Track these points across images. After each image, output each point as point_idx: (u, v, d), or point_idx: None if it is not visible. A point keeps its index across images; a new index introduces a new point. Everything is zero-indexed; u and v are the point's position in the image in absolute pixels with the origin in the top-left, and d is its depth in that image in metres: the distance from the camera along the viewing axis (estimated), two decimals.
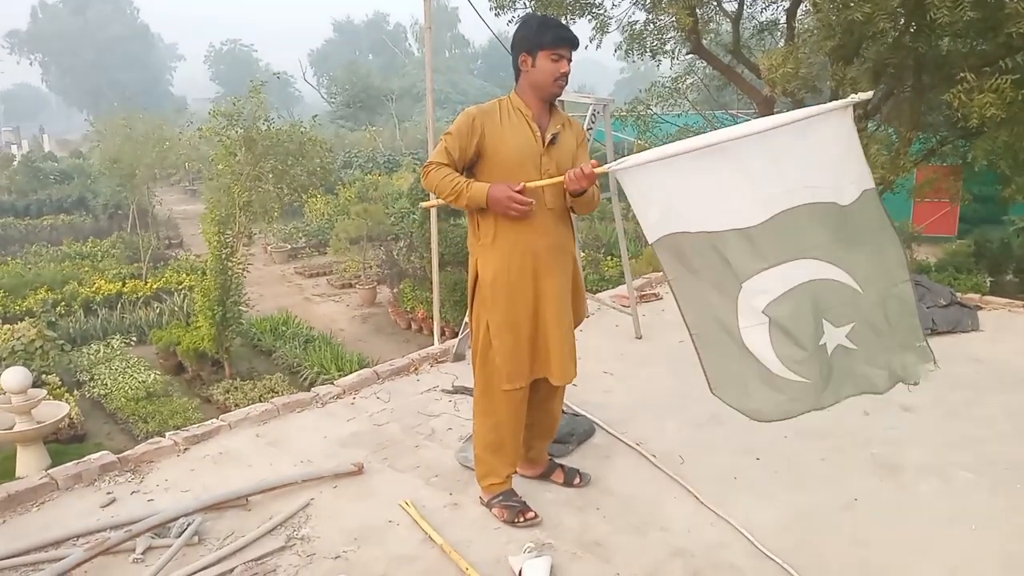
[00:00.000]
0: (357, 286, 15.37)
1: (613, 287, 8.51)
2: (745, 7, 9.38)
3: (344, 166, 25.09)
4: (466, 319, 3.88)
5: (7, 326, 11.15)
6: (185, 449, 4.04)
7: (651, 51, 9.23)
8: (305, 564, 3.05)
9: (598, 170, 2.96)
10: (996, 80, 6.09)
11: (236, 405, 8.66)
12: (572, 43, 3.08)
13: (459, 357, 5.35)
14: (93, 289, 14.23)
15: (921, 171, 11.07)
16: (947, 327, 5.87)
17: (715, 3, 9.36)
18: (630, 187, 2.91)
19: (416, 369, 5.27)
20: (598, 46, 8.93)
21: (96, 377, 10.12)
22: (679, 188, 2.87)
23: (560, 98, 3.32)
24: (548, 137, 3.11)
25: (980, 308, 6.39)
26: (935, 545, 3.16)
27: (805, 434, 4.05)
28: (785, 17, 8.84)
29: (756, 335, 2.87)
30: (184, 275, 15.41)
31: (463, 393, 4.70)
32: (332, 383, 4.99)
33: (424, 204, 3.68)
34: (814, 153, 2.85)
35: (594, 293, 6.97)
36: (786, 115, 2.93)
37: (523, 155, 3.07)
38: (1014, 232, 12.40)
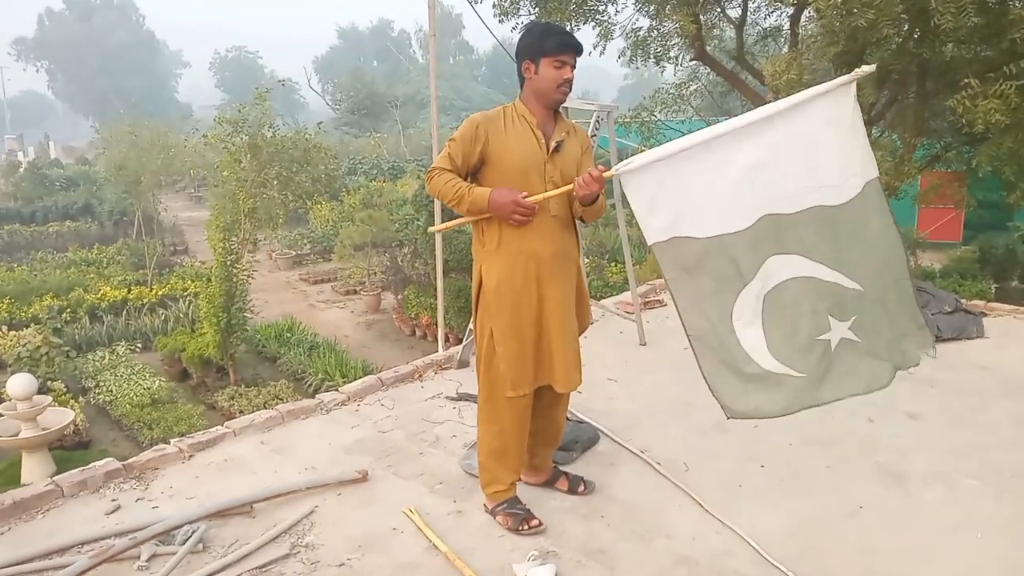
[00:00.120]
0: (361, 292, 15.37)
1: (617, 294, 8.50)
2: (749, 13, 9.38)
3: (349, 173, 25.11)
4: (470, 326, 3.89)
5: (13, 333, 11.17)
6: (190, 456, 4.05)
7: (655, 57, 9.25)
8: (309, 572, 3.05)
9: (606, 174, 2.97)
10: (1000, 86, 6.08)
11: (241, 412, 8.67)
12: (575, 49, 3.08)
13: (463, 364, 5.35)
14: (98, 296, 14.25)
15: (925, 177, 11.04)
16: (952, 334, 5.86)
17: (719, 9, 9.38)
18: (632, 191, 2.92)
19: (420, 376, 5.27)
20: (602, 53, 8.94)
21: (101, 384, 10.13)
22: (682, 191, 2.88)
23: (564, 105, 3.33)
24: (552, 144, 3.11)
25: (985, 315, 6.38)
26: (940, 553, 3.15)
27: (810, 441, 4.05)
28: (789, 23, 8.84)
29: (751, 332, 2.90)
30: (189, 282, 15.43)
31: (467, 400, 4.70)
32: (336, 390, 5.00)
33: (432, 228, 3.74)
34: (818, 143, 2.86)
35: (598, 300, 6.97)
36: (790, 98, 2.92)
37: (527, 162, 3.08)
38: (1019, 238, 12.35)
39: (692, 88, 10.85)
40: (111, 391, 9.78)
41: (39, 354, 10.33)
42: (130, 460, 3.94)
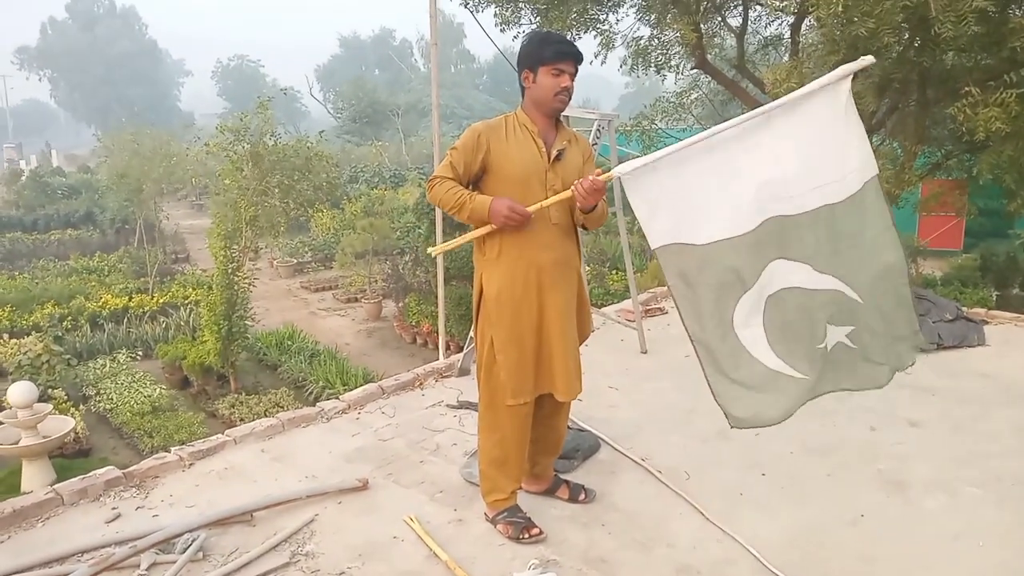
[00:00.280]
0: (363, 300, 15.38)
1: (618, 301, 8.51)
2: (749, 22, 9.41)
3: (350, 181, 25.17)
4: (471, 333, 3.88)
5: (14, 340, 11.18)
6: (190, 464, 4.04)
7: (656, 66, 9.27)
8: None
9: (603, 176, 2.97)
10: (1001, 94, 6.09)
11: (241, 420, 8.66)
12: (573, 57, 3.09)
13: (464, 372, 5.35)
14: (100, 304, 14.27)
15: (926, 185, 11.05)
16: (953, 342, 5.86)
17: (719, 18, 9.40)
18: (634, 194, 2.92)
19: (421, 384, 5.27)
20: (603, 62, 8.97)
21: (102, 391, 10.13)
22: (683, 195, 2.88)
23: (564, 113, 3.34)
24: (554, 153, 3.12)
25: (986, 322, 6.37)
26: (941, 561, 3.14)
27: (811, 450, 4.04)
28: (789, 32, 8.87)
29: (752, 332, 2.90)
30: (190, 289, 15.46)
31: (468, 408, 4.70)
32: (337, 398, 4.99)
33: (432, 250, 3.46)
34: (816, 140, 2.85)
35: (599, 307, 6.97)
36: (787, 96, 2.93)
37: (529, 171, 3.08)
38: (1020, 246, 12.36)
39: (693, 97, 10.86)
40: (112, 399, 9.79)
41: (40, 362, 10.33)
42: (130, 468, 3.93)
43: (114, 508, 3.60)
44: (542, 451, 3.52)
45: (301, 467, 4.02)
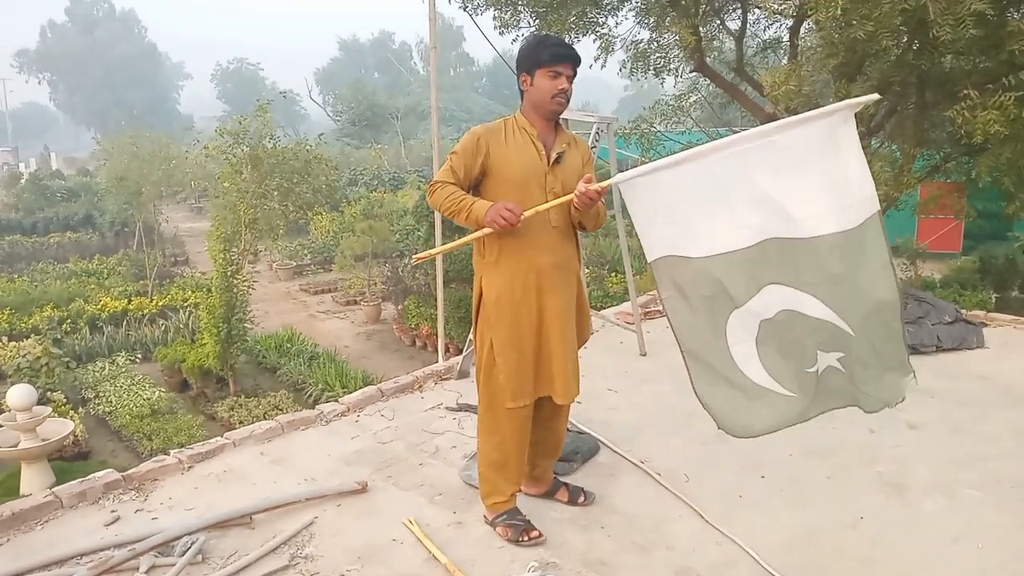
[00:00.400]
0: (362, 303, 15.37)
1: (617, 304, 8.50)
2: (748, 25, 9.40)
3: (349, 183, 25.19)
4: (470, 336, 3.89)
5: (13, 343, 11.17)
6: (189, 467, 4.04)
7: (655, 69, 9.26)
8: None
9: (602, 184, 2.98)
10: (999, 97, 6.09)
11: (240, 423, 8.66)
12: (570, 60, 3.09)
13: (463, 374, 5.35)
14: (99, 306, 14.26)
15: (925, 188, 11.05)
16: (952, 344, 5.86)
17: (718, 21, 9.40)
18: (633, 204, 2.94)
19: (420, 386, 5.27)
20: (603, 66, 8.97)
21: (101, 394, 10.12)
22: (681, 208, 2.89)
23: (563, 116, 3.34)
24: (553, 156, 3.12)
25: (985, 325, 6.38)
26: (940, 563, 3.14)
27: (810, 452, 4.04)
28: (788, 35, 8.86)
29: (746, 352, 2.92)
30: (189, 292, 15.45)
31: (467, 411, 4.70)
32: (336, 401, 5.00)
33: (414, 258, 3.42)
34: (818, 170, 2.83)
35: (598, 310, 6.97)
36: (791, 119, 2.92)
37: (528, 174, 3.09)
38: (1019, 248, 12.37)
39: (692, 99, 10.87)
40: (111, 402, 9.78)
41: (39, 365, 10.33)
42: (129, 471, 3.93)
43: (113, 511, 3.60)
44: (541, 454, 3.52)
45: (300, 470, 4.02)
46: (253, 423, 4.89)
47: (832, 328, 2.88)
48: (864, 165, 2.87)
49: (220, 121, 18.16)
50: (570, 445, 3.90)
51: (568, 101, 3.15)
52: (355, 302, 15.89)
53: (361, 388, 5.42)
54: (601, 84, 59.44)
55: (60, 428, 7.64)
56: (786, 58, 8.91)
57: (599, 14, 8.82)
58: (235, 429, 4.71)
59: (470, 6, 8.77)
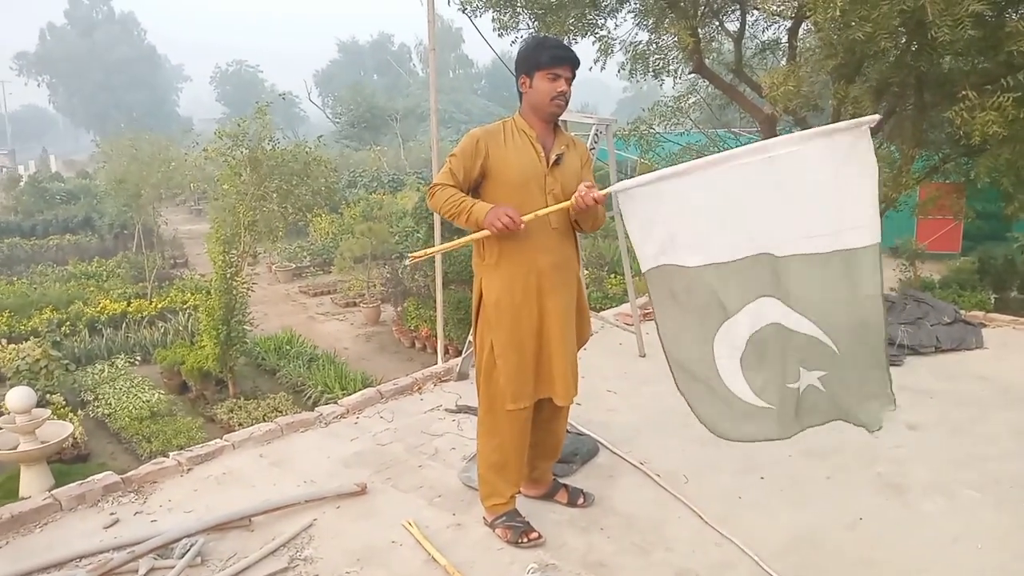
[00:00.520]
0: (361, 305, 15.36)
1: (616, 305, 8.50)
2: (747, 26, 9.41)
3: (349, 185, 25.17)
4: (470, 337, 3.89)
5: (12, 346, 11.15)
6: (189, 469, 4.04)
7: (654, 71, 9.27)
8: None
9: (602, 192, 2.99)
10: (998, 98, 6.11)
11: (240, 425, 8.64)
12: (569, 62, 3.10)
13: (463, 376, 5.35)
14: (98, 309, 14.24)
15: (924, 188, 11.06)
16: (951, 345, 5.87)
17: (717, 23, 9.41)
18: (628, 215, 2.98)
19: (420, 388, 5.27)
20: (602, 67, 8.98)
21: (100, 397, 10.10)
22: (676, 219, 2.93)
23: (562, 118, 3.35)
24: (552, 157, 3.13)
25: (984, 325, 6.38)
26: (940, 564, 3.14)
27: (810, 453, 4.04)
28: (787, 36, 8.86)
29: (732, 368, 2.97)
30: (189, 294, 15.42)
31: (467, 413, 4.70)
32: (336, 402, 5.00)
33: (413, 256, 3.32)
34: (817, 189, 2.81)
35: (597, 311, 6.97)
36: (792, 136, 2.92)
37: (527, 175, 3.09)
38: (1018, 249, 12.38)
39: (691, 101, 10.86)
40: (110, 404, 9.76)
41: (38, 367, 10.31)
42: (129, 473, 3.93)
43: (112, 513, 3.59)
44: (541, 455, 3.52)
45: (299, 472, 4.02)
46: (252, 425, 4.90)
47: (817, 345, 2.91)
48: (874, 192, 2.81)
49: (219, 123, 18.21)
50: (569, 447, 3.90)
51: (567, 103, 3.16)
52: (354, 304, 15.89)
53: (360, 390, 5.41)
54: (600, 85, 59.46)
55: (59, 430, 7.63)
56: (785, 59, 8.92)
57: (598, 16, 8.84)
58: (234, 431, 4.72)
59: (469, 8, 8.78)
